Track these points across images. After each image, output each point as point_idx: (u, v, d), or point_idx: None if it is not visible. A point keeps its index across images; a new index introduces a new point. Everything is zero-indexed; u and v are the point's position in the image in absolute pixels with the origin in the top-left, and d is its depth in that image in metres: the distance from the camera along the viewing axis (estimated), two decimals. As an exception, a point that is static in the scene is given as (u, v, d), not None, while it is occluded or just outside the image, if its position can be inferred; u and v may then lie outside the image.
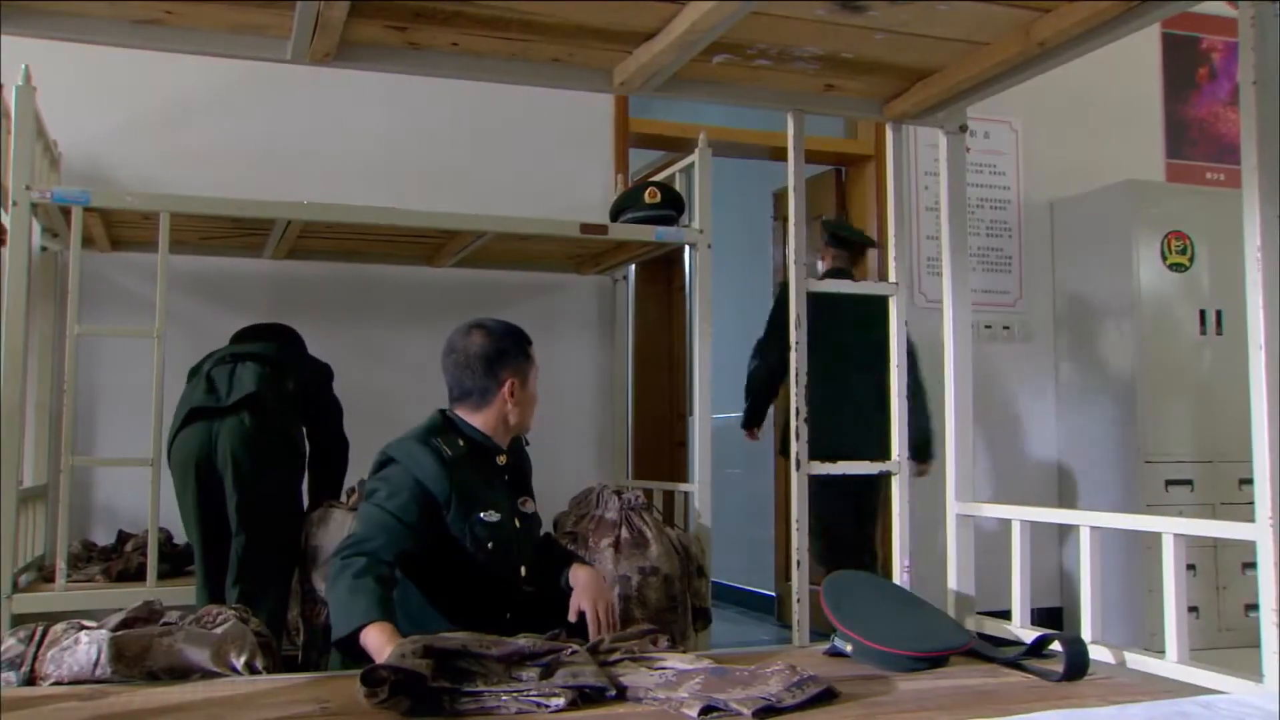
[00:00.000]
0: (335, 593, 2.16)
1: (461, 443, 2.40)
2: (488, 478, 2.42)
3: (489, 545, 2.34)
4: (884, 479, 2.97)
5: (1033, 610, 2.61)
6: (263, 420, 2.88)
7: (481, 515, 2.36)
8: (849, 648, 2.28)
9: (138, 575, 3.06)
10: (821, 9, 2.23)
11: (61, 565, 2.90)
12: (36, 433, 3.55)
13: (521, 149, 4.22)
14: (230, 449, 2.83)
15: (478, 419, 2.44)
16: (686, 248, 3.92)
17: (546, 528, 2.79)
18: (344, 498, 3.13)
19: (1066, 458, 4.86)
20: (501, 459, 2.47)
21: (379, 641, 2.02)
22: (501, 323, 2.54)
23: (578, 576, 2.41)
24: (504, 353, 2.46)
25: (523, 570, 2.46)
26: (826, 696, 1.93)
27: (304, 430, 3.09)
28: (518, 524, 2.46)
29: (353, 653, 2.09)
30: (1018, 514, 2.62)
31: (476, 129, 4.18)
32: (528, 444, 2.64)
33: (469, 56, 2.48)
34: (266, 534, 2.87)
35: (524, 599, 2.44)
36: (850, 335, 3.25)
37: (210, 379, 2.94)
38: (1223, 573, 4.47)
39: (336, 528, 2.94)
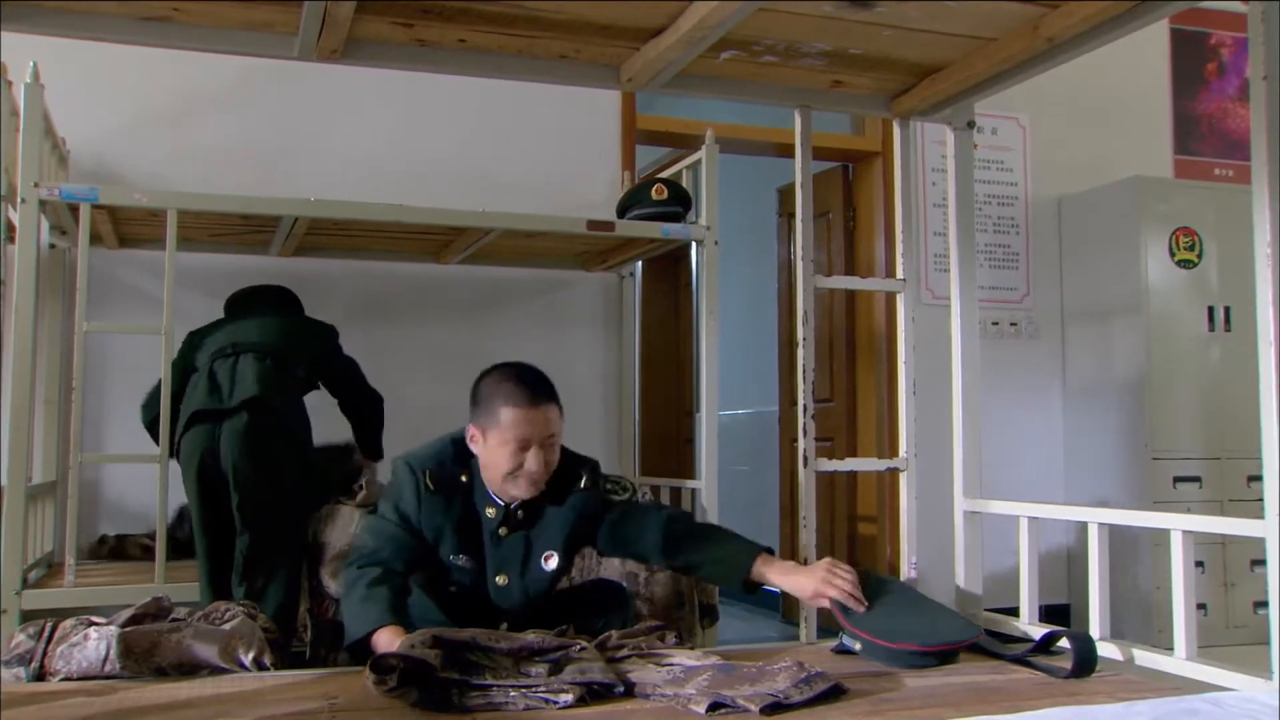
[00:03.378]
0: (349, 600, 2.18)
1: (464, 478, 2.33)
2: (473, 523, 2.34)
3: (451, 589, 2.32)
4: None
5: (1040, 607, 2.61)
6: (265, 420, 2.87)
7: (453, 557, 2.31)
8: (857, 645, 2.28)
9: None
10: (829, 5, 2.23)
11: (70, 561, 2.91)
12: (45, 429, 3.57)
13: (528, 146, 4.23)
14: (233, 449, 2.83)
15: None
16: (693, 244, 3.92)
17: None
18: (352, 493, 3.12)
19: (1074, 454, 4.86)
20: (490, 512, 2.33)
21: (389, 643, 2.03)
22: (519, 369, 2.34)
23: None
24: (477, 400, 2.33)
25: (504, 627, 2.30)
26: (834, 693, 1.93)
27: (308, 422, 3.06)
28: (500, 581, 2.33)
29: (365, 658, 2.09)
30: (1025, 510, 2.62)
31: (483, 126, 4.18)
32: (594, 486, 2.41)
33: (476, 53, 2.48)
34: (270, 532, 2.86)
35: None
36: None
37: (213, 377, 2.93)
38: (1231, 570, 4.46)
39: (343, 524, 2.94)
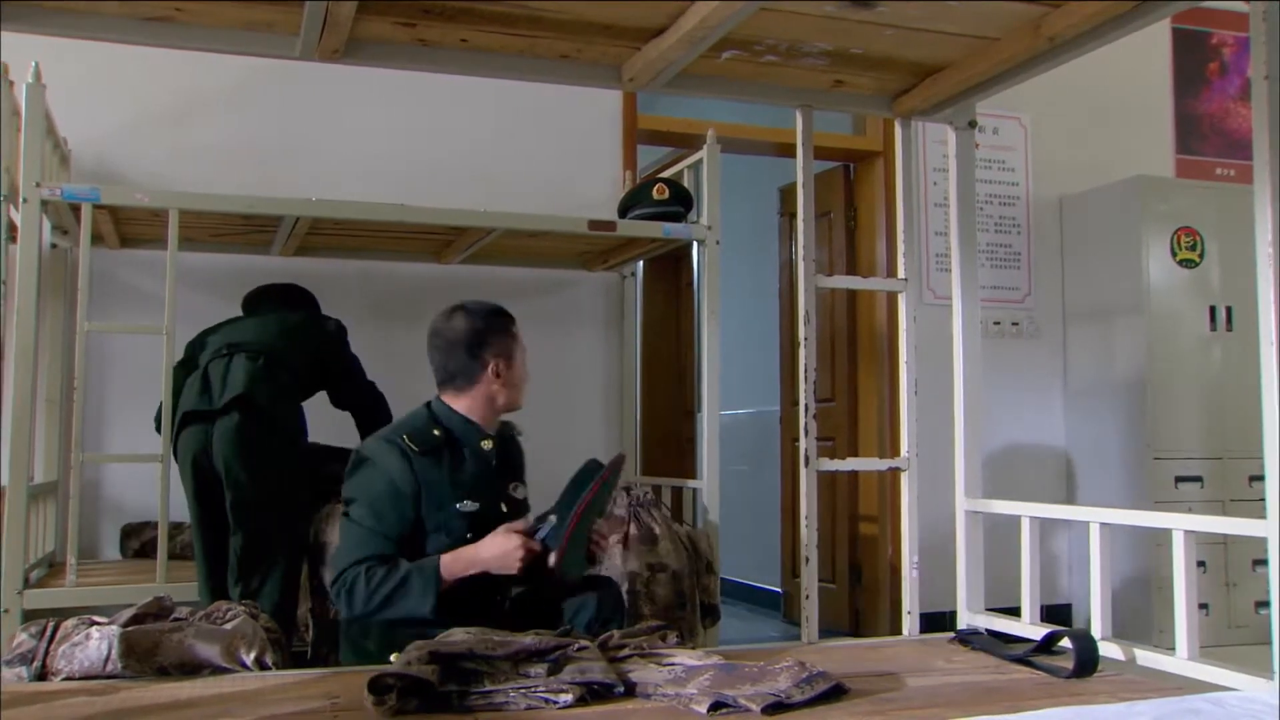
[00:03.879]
0: (392, 592, 2.23)
1: (437, 433, 2.41)
2: (467, 466, 2.42)
3: (468, 535, 2.34)
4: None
5: (1042, 607, 2.61)
6: (255, 419, 2.86)
7: (457, 506, 2.36)
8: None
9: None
10: (831, 5, 2.23)
11: (72, 560, 2.91)
12: (46, 429, 3.57)
13: (529, 145, 4.23)
14: (223, 450, 2.83)
15: (462, 403, 2.47)
16: (694, 244, 3.92)
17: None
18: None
19: (1075, 454, 4.86)
20: (486, 444, 2.47)
21: (453, 560, 2.24)
22: (483, 304, 2.57)
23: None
24: (486, 333, 2.49)
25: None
26: (835, 693, 1.93)
27: (303, 421, 3.05)
28: (504, 509, 2.46)
29: (452, 604, 2.22)
30: (1027, 510, 2.62)
31: (484, 125, 4.18)
32: (520, 434, 2.66)
33: (478, 53, 2.48)
34: (264, 532, 2.86)
35: (520, 585, 2.42)
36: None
37: (206, 377, 2.93)
38: (1233, 569, 4.46)
39: (345, 524, 2.94)
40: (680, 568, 3.11)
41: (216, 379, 2.91)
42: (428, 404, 2.53)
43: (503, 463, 2.53)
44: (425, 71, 2.61)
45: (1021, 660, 2.27)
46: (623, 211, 3.63)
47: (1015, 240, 4.90)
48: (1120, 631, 2.41)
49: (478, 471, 2.43)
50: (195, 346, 3.11)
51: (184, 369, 3.04)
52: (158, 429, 3.08)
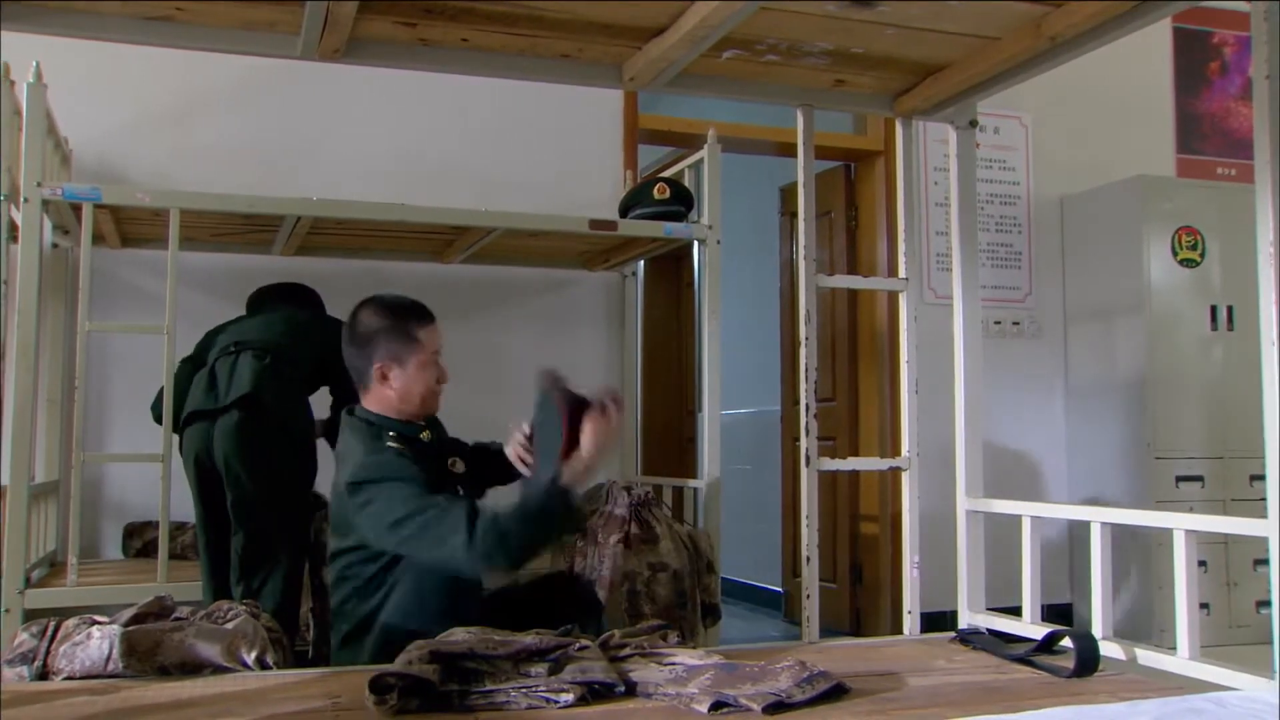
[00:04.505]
0: (506, 533, 2.08)
1: (392, 434, 2.37)
2: (426, 460, 2.39)
3: None
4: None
5: (1043, 607, 2.61)
6: (259, 418, 2.85)
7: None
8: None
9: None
10: (832, 4, 2.23)
11: (73, 560, 2.91)
12: (48, 429, 3.57)
13: (530, 145, 4.23)
14: (225, 448, 2.83)
15: (375, 404, 2.40)
16: (695, 244, 3.92)
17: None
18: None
19: (1076, 453, 4.86)
20: (425, 435, 2.44)
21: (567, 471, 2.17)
22: (395, 297, 2.46)
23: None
24: (378, 332, 2.38)
25: None
26: (836, 692, 1.93)
27: (309, 420, 3.05)
28: (460, 491, 2.49)
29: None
30: (1028, 510, 2.62)
31: (486, 125, 4.18)
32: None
33: (479, 52, 2.48)
34: (265, 531, 2.86)
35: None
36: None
37: (213, 375, 2.94)
38: (1234, 569, 4.46)
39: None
40: (681, 567, 3.11)
41: (223, 377, 2.91)
42: (366, 420, 2.39)
43: (441, 447, 2.53)
44: (426, 71, 2.60)
45: (1022, 660, 2.27)
46: (624, 211, 3.63)
47: (1016, 240, 4.90)
48: (1121, 631, 2.41)
49: (430, 461, 2.41)
50: (204, 345, 3.11)
51: (191, 365, 3.04)
52: (154, 417, 3.08)
